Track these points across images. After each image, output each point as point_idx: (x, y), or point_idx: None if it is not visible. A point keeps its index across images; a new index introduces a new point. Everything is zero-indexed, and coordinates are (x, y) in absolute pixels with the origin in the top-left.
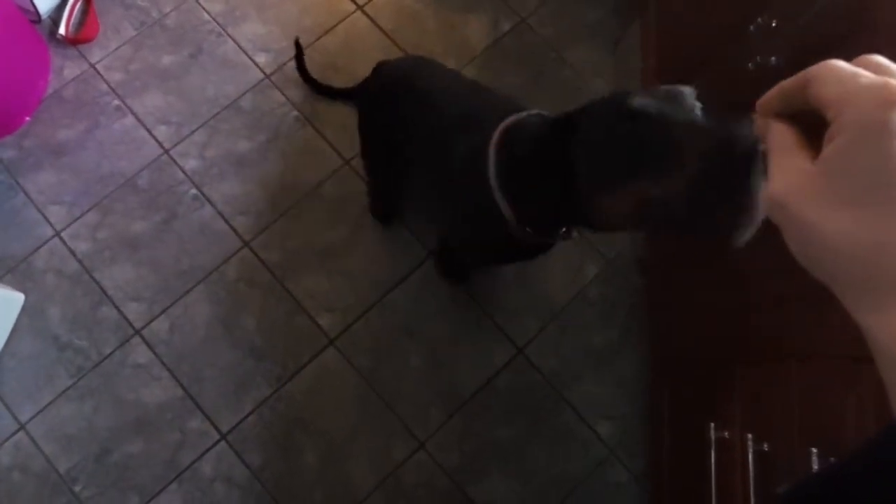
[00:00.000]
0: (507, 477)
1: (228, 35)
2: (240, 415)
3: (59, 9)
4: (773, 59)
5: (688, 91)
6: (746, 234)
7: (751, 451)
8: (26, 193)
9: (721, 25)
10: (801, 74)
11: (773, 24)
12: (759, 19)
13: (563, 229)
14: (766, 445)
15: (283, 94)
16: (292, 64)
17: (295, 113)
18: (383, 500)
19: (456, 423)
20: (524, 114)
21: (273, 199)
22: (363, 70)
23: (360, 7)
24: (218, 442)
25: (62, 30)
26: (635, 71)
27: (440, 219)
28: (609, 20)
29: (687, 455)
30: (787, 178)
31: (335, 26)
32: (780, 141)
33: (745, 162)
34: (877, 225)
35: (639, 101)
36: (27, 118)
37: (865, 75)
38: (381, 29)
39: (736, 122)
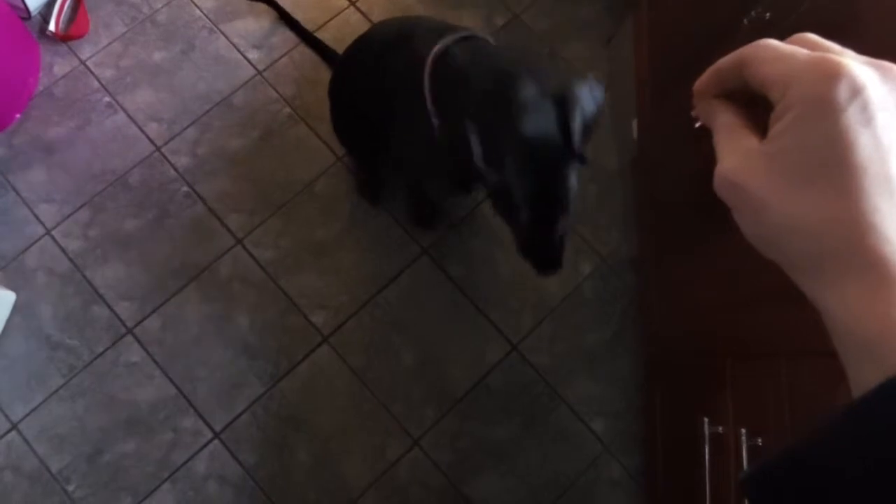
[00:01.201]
0: (501, 474)
1: (220, 31)
2: (233, 413)
3: (49, 5)
4: (767, 14)
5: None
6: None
7: (744, 445)
8: (17, 192)
9: (714, 19)
10: (735, 55)
11: (767, 17)
12: (753, 12)
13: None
14: (759, 440)
15: (276, 90)
16: (284, 60)
17: (287, 110)
18: (377, 498)
19: (450, 420)
20: (456, 37)
21: (266, 196)
22: None
23: (352, 3)
24: (211, 441)
25: (52, 26)
26: (628, 65)
27: (395, 149)
28: (602, 16)
29: (681, 451)
30: (736, 158)
31: (328, 22)
32: (725, 121)
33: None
34: (826, 201)
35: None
36: (17, 116)
37: (804, 52)
38: (373, 24)
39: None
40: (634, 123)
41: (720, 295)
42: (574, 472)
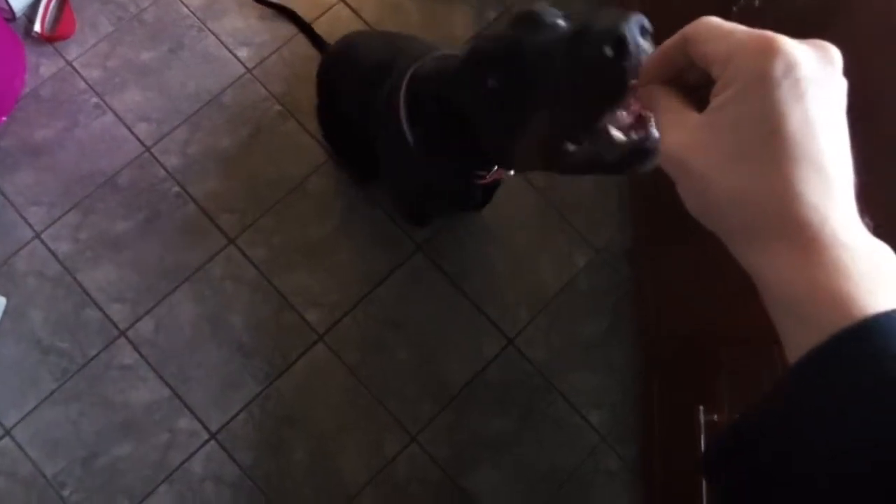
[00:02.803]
0: (499, 468)
1: (209, 29)
2: (229, 413)
3: (34, 6)
4: (756, 1)
5: (541, 8)
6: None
7: None
8: (5, 195)
9: (703, 7)
10: (679, 34)
11: (756, 4)
12: (742, 0)
13: (479, 171)
14: None
15: (266, 88)
16: (274, 58)
17: (278, 107)
18: (376, 494)
19: (447, 415)
20: (429, 57)
21: (257, 195)
22: None
23: None
24: (207, 441)
25: (37, 27)
26: None
27: (389, 183)
28: (593, 7)
29: (678, 440)
30: (678, 133)
31: (317, 18)
32: (665, 102)
33: (603, 53)
34: (760, 173)
35: (480, 45)
36: (3, 118)
37: (743, 29)
38: (364, 21)
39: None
40: None
41: (714, 284)
42: (572, 464)
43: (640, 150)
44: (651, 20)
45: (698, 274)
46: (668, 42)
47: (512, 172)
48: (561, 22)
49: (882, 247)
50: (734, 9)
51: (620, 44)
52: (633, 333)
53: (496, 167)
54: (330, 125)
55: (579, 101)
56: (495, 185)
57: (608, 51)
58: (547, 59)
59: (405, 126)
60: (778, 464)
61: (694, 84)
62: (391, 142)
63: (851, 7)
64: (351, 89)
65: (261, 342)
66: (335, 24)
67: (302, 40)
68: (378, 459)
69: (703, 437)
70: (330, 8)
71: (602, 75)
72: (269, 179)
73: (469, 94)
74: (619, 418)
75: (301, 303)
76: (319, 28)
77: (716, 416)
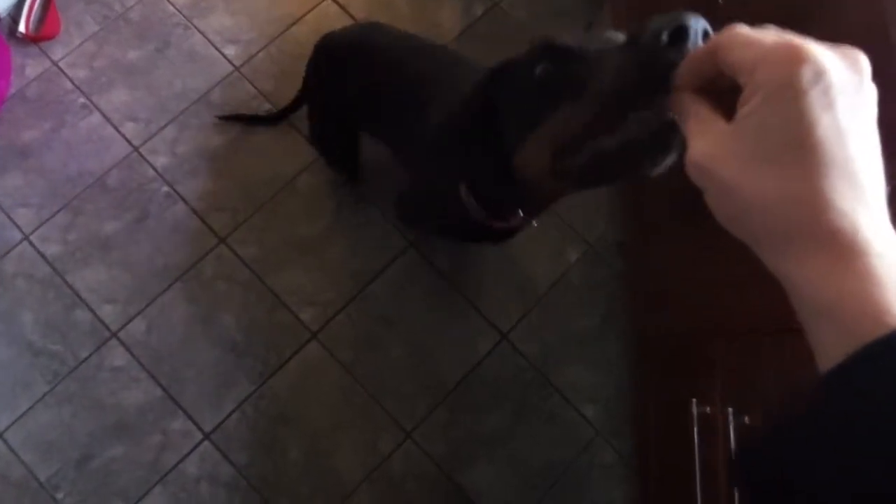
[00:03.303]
0: (495, 463)
1: (195, 27)
2: (223, 413)
3: (18, 6)
4: None
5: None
6: (666, 159)
7: (732, 424)
8: None
9: (689, 2)
10: (709, 43)
11: None
12: None
13: (517, 211)
14: (746, 418)
15: (254, 85)
16: (262, 55)
17: (267, 105)
18: (371, 492)
19: (442, 412)
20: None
21: (248, 193)
22: None
23: None
24: (201, 441)
25: (22, 27)
26: None
27: (408, 170)
28: (580, 2)
29: (672, 432)
30: (706, 141)
31: (305, 15)
32: (694, 109)
33: (652, 74)
34: (789, 180)
35: (557, 41)
36: None
37: (771, 37)
38: (352, 17)
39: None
40: None
41: (706, 276)
42: (567, 458)
43: (663, 137)
44: (638, 15)
45: (691, 266)
46: (698, 50)
47: (535, 223)
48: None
49: None
50: (720, 1)
51: (680, 32)
52: (627, 327)
53: (520, 212)
54: (321, 126)
55: (622, 85)
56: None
57: (665, 37)
58: (601, 59)
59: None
60: (808, 470)
61: (726, 89)
62: (434, 172)
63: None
64: (367, 91)
65: (254, 341)
66: (323, 20)
67: (290, 36)
68: (373, 457)
69: (696, 430)
70: (318, 4)
71: (654, 59)
72: (259, 178)
73: (514, 83)
74: (614, 412)
75: (294, 301)
76: (307, 25)
77: (708, 409)
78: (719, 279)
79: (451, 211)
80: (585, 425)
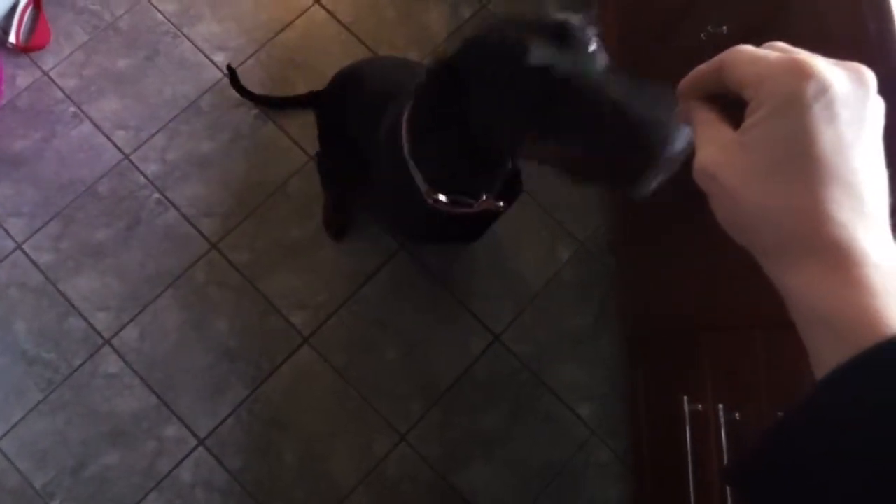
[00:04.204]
0: (490, 464)
1: (184, 35)
2: (217, 419)
3: (8, 17)
4: (724, 28)
5: (578, 25)
6: (650, 185)
7: (723, 420)
8: None
9: (676, 37)
10: (715, 59)
11: (724, 30)
12: (709, 27)
13: (479, 195)
14: (737, 414)
15: None
16: (251, 62)
17: (256, 111)
18: (367, 495)
19: (436, 413)
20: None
21: (239, 199)
22: (324, 65)
23: (317, 1)
24: (196, 448)
25: (12, 38)
26: None
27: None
28: (569, 4)
29: (664, 430)
30: (713, 149)
31: (293, 21)
32: (704, 117)
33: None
34: (791, 191)
35: (537, 55)
36: None
37: (776, 53)
38: (339, 22)
39: (645, 93)
40: None
41: (697, 272)
42: (563, 458)
43: (663, 130)
44: (623, 16)
45: (682, 262)
46: (704, 66)
47: (501, 204)
48: (594, 47)
49: None
50: (702, 36)
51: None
52: (619, 325)
53: (484, 196)
54: (332, 169)
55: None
56: (487, 218)
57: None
58: (599, 100)
59: (410, 163)
60: (804, 476)
61: (735, 97)
62: (390, 169)
63: (828, 32)
64: (356, 121)
65: (247, 346)
66: (311, 26)
67: (278, 43)
68: (368, 460)
69: (688, 427)
70: (305, 10)
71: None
72: (249, 183)
73: (493, 61)
74: (609, 411)
75: (286, 305)
76: (294, 31)
77: (699, 406)
78: (708, 273)
79: (416, 209)
80: (580, 424)
